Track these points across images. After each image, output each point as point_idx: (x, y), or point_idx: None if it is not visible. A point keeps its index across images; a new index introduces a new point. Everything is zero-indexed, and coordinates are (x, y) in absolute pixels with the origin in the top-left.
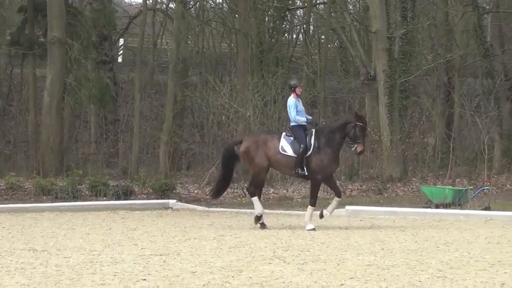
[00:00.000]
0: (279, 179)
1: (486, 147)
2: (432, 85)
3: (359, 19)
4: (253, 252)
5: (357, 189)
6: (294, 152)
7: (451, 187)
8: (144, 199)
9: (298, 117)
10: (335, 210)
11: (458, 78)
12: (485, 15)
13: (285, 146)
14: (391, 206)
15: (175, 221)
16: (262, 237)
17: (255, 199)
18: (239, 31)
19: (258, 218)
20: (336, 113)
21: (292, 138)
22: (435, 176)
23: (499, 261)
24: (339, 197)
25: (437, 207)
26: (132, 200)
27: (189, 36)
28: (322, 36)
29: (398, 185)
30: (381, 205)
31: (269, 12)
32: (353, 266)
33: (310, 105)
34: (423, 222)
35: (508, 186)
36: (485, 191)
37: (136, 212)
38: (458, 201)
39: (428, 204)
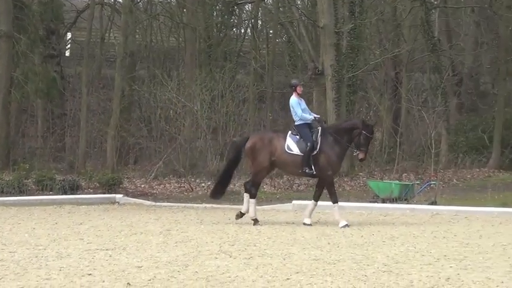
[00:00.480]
0: None
1: (433, 142)
2: (380, 80)
3: (307, 14)
4: (199, 246)
5: (304, 183)
6: (301, 150)
7: (397, 182)
8: (90, 194)
9: (304, 115)
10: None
11: (406, 73)
12: (433, 11)
13: (291, 144)
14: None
15: (122, 216)
16: (208, 232)
17: (252, 201)
18: (187, 25)
19: (242, 215)
20: (283, 108)
21: (298, 136)
22: (382, 171)
23: (445, 255)
24: (316, 200)
25: (383, 201)
26: (79, 194)
27: (137, 30)
28: (270, 31)
29: (346, 179)
30: (328, 200)
31: (217, 7)
32: (299, 260)
33: (258, 100)
34: (370, 216)
35: (454, 181)
36: (431, 185)
37: (83, 206)
38: (404, 196)
39: (375, 198)
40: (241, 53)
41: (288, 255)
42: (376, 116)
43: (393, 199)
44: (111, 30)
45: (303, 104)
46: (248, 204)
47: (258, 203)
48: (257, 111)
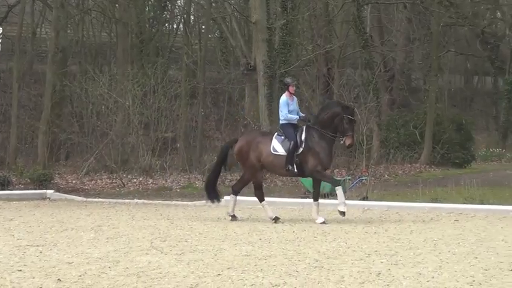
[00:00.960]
0: (158, 169)
1: (365, 138)
2: (312, 76)
3: (239, 9)
4: (130, 242)
5: (236, 179)
6: (285, 150)
7: None
8: (21, 189)
9: (289, 115)
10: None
11: (338, 69)
12: (365, 6)
13: (276, 145)
14: (270, 196)
15: (53, 212)
16: (140, 228)
17: (263, 203)
18: (119, 21)
19: (276, 220)
20: (216, 104)
21: (283, 137)
22: None
23: (376, 251)
24: (316, 200)
25: (324, 196)
26: (10, 190)
27: (69, 26)
28: (203, 26)
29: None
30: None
31: (149, 2)
32: (230, 256)
33: (190, 96)
34: (301, 212)
35: (385, 176)
36: (363, 181)
37: (14, 202)
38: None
39: (306, 194)
40: (173, 49)
41: (220, 251)
42: (307, 111)
43: (325, 195)
44: (43, 25)
45: (293, 105)
46: (234, 205)
47: (190, 198)
48: (189, 107)
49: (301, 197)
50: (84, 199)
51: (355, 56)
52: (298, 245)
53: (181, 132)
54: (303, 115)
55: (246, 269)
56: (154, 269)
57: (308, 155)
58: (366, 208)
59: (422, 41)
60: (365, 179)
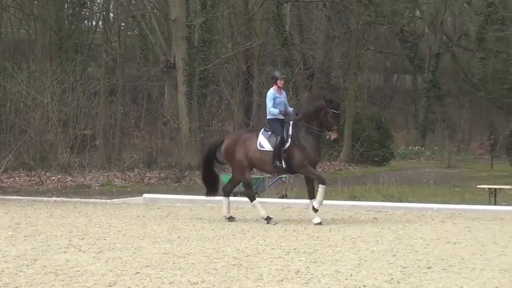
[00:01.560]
0: (77, 167)
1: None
2: (231, 73)
3: (159, 7)
4: (48, 240)
5: (156, 177)
6: (272, 146)
7: None
8: None
9: (272, 109)
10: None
11: (258, 67)
12: (285, 4)
13: (263, 141)
14: (189, 194)
15: None
16: (58, 226)
17: (255, 202)
18: (38, 17)
19: (268, 219)
20: (135, 101)
21: (270, 132)
22: None
23: (295, 248)
24: (311, 198)
25: (235, 195)
26: None
27: None
28: (122, 24)
29: (197, 173)
30: (179, 193)
31: None
32: (149, 254)
33: (109, 93)
34: (220, 210)
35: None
36: (282, 179)
37: None
38: (255, 189)
39: None
40: (92, 46)
41: (138, 249)
42: (227, 109)
43: (242, 193)
44: None
45: (280, 99)
46: (228, 207)
47: (109, 196)
48: (108, 104)
49: (221, 195)
50: (2, 197)
51: (275, 53)
52: (217, 243)
53: (100, 129)
54: (290, 110)
55: (164, 267)
56: (72, 267)
57: (294, 150)
58: (285, 206)
59: (342, 39)
60: (284, 177)
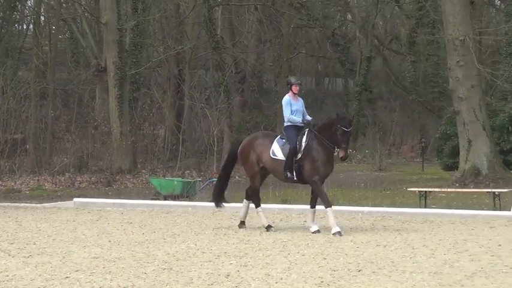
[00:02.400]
0: (7, 171)
1: (216, 139)
2: (163, 77)
3: (90, 10)
4: None
5: (86, 181)
6: (284, 155)
7: (180, 179)
8: None
9: (292, 117)
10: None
11: (189, 70)
12: (216, 8)
13: (276, 149)
14: (120, 198)
15: None
16: None
17: (258, 209)
18: None
19: (242, 223)
20: (66, 105)
21: (284, 140)
22: (165, 168)
23: (225, 252)
24: (312, 207)
25: (165, 199)
26: None
27: None
28: (53, 27)
29: (128, 176)
30: (110, 197)
31: None
32: (79, 258)
33: (39, 97)
34: (151, 214)
35: (236, 177)
36: (214, 182)
37: None
38: (186, 193)
39: (157, 196)
40: (23, 49)
41: (68, 253)
42: (159, 113)
43: (175, 196)
44: None
45: (297, 105)
46: (246, 210)
47: (39, 201)
48: (39, 108)
49: (152, 199)
50: None
51: (207, 57)
52: (148, 247)
53: (31, 133)
54: (309, 118)
55: (94, 271)
56: (1, 271)
57: (306, 162)
58: (216, 210)
59: (273, 43)
60: (215, 181)
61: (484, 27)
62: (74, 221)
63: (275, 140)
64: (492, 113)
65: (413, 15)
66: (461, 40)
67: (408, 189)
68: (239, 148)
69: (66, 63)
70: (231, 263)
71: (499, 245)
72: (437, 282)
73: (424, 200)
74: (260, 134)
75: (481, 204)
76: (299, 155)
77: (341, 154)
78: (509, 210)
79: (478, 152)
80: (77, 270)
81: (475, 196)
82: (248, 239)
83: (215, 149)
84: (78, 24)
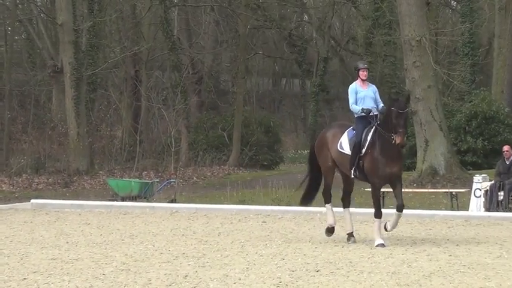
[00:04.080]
0: None
1: (173, 140)
2: (120, 78)
3: (46, 11)
4: None
5: (44, 182)
6: (351, 150)
7: (137, 180)
8: None
9: (353, 106)
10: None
11: (146, 71)
12: (172, 9)
13: (344, 142)
14: (78, 199)
15: None
16: None
17: (327, 206)
18: None
19: (330, 230)
20: (23, 106)
21: (354, 132)
22: (122, 169)
23: (183, 253)
24: (399, 210)
25: (123, 200)
26: None
27: None
28: (9, 28)
29: (85, 178)
30: (68, 198)
31: None
32: (37, 260)
33: None
34: (109, 215)
35: (194, 178)
36: (171, 183)
37: None
38: (144, 194)
39: (114, 197)
40: None
41: (26, 255)
42: (116, 114)
43: (133, 197)
44: None
45: (366, 92)
46: (349, 218)
47: None
48: None
49: (109, 200)
50: None
51: (163, 58)
52: (106, 248)
53: None
54: (382, 105)
55: (52, 272)
56: None
57: (367, 160)
58: (174, 211)
59: (230, 44)
60: (173, 182)
61: (440, 28)
62: (31, 222)
63: (346, 132)
64: (449, 113)
65: (369, 16)
66: (417, 41)
67: (366, 189)
68: (316, 140)
69: (23, 64)
70: (189, 264)
71: (457, 245)
72: (396, 282)
73: (382, 200)
74: (335, 124)
75: (439, 204)
76: (363, 151)
77: (397, 140)
78: (467, 210)
79: (435, 152)
80: (34, 272)
81: (433, 196)
82: (206, 240)
83: (173, 149)
84: (34, 25)
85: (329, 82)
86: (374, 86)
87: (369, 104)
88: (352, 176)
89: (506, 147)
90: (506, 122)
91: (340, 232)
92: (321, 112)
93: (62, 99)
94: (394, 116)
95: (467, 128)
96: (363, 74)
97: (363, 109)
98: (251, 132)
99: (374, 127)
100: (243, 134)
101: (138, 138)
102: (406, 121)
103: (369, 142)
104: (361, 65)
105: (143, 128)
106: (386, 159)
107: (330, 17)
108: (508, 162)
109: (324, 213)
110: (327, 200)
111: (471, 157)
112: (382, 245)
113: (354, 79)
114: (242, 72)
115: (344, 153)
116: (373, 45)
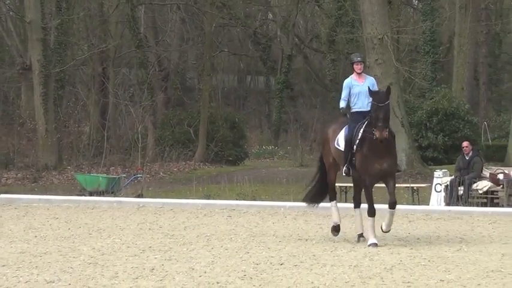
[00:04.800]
0: None
1: (140, 136)
2: (88, 75)
3: (14, 9)
4: None
5: (13, 177)
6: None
7: (105, 175)
8: None
9: (341, 102)
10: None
11: (113, 68)
12: (139, 7)
13: (340, 139)
14: (46, 194)
15: None
16: None
17: (332, 204)
18: None
19: (335, 229)
20: None
21: None
22: (90, 164)
23: (150, 247)
24: (391, 208)
25: (91, 194)
26: None
27: None
28: None
29: (54, 173)
30: (36, 193)
31: None
32: (5, 253)
33: None
34: (77, 209)
35: (161, 174)
36: (138, 178)
37: None
38: (111, 189)
39: (82, 192)
40: None
41: None
42: (84, 110)
43: (100, 192)
44: None
45: (360, 86)
46: (359, 219)
47: None
48: None
49: (77, 194)
50: None
51: (130, 55)
52: (74, 242)
53: None
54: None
55: (21, 266)
56: None
57: (357, 157)
58: (140, 205)
59: (196, 41)
60: (140, 177)
61: (402, 26)
62: (0, 217)
63: (344, 128)
64: (410, 109)
65: (332, 14)
66: (379, 39)
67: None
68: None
69: None
70: (155, 258)
71: (418, 239)
72: (358, 275)
73: (344, 195)
74: (338, 120)
75: (400, 198)
76: (354, 147)
77: (377, 134)
78: (427, 205)
79: (397, 148)
80: (3, 265)
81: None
82: (172, 234)
83: (139, 145)
84: (3, 23)
85: (293, 79)
86: (372, 78)
87: (364, 101)
88: (344, 174)
89: (465, 143)
90: (466, 118)
91: (304, 227)
92: (285, 109)
93: (31, 96)
94: (373, 110)
95: (428, 124)
96: (357, 67)
97: (341, 108)
98: (217, 128)
99: (366, 123)
100: (208, 130)
101: (105, 134)
102: (386, 114)
103: (359, 139)
104: (355, 59)
105: (111, 124)
106: (375, 156)
107: (294, 15)
108: (467, 158)
109: (288, 207)
110: (332, 197)
111: (432, 153)
112: (375, 245)
113: (320, 77)
114: (208, 69)
115: (340, 149)
116: (336, 43)
